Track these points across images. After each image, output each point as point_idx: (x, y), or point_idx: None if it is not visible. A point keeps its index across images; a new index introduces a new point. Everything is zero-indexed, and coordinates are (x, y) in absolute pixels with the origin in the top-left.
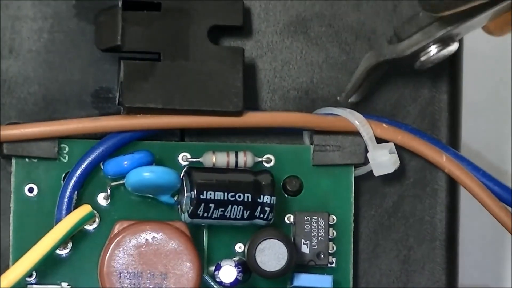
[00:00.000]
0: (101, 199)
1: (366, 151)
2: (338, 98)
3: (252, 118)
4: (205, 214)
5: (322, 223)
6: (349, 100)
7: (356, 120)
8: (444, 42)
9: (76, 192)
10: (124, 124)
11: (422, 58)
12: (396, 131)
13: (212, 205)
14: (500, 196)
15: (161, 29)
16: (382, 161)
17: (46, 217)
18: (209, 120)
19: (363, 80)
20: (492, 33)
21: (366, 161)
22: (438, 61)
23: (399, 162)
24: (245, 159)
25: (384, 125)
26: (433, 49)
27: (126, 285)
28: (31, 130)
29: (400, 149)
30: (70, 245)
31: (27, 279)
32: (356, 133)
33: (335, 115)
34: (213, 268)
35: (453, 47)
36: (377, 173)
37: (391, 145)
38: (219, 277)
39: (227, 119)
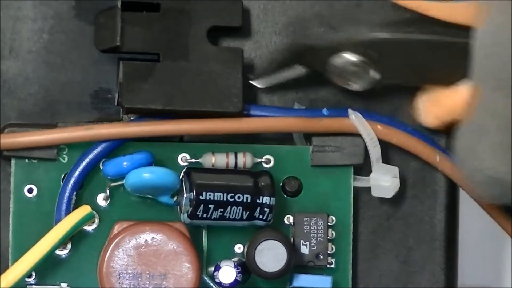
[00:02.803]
0: (101, 199)
1: (366, 151)
2: (249, 78)
3: (250, 124)
4: (205, 215)
5: (321, 224)
6: (254, 81)
7: (367, 136)
8: (364, 63)
9: (75, 193)
10: (121, 132)
11: (335, 60)
12: (392, 132)
13: (211, 206)
14: None
15: (161, 30)
16: (384, 185)
17: (45, 217)
18: (207, 126)
19: (278, 65)
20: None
21: (365, 161)
22: (344, 79)
23: (399, 186)
24: (245, 160)
25: (379, 126)
26: (349, 57)
27: (125, 286)
28: (30, 138)
29: (400, 150)
30: (69, 246)
31: (27, 279)
32: (356, 134)
33: (338, 117)
34: (212, 268)
35: (357, 85)
36: (375, 193)
37: (396, 170)
38: (218, 278)
39: (225, 124)
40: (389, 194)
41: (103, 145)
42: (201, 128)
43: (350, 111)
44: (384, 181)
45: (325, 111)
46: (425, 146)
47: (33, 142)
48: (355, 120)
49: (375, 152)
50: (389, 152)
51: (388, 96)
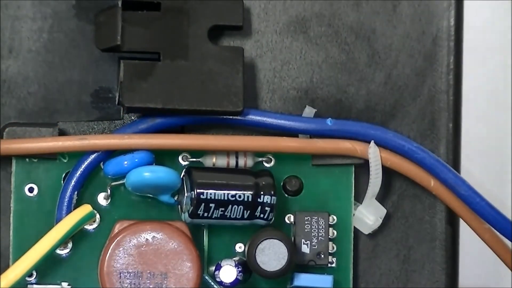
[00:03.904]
0: (101, 199)
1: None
2: None
3: (244, 142)
4: (205, 214)
5: (322, 223)
6: None
7: (374, 170)
8: None
9: (76, 192)
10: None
11: None
12: (387, 156)
13: (212, 205)
14: (497, 226)
15: (161, 29)
16: (366, 221)
17: (46, 217)
18: (204, 142)
19: None
20: None
21: (366, 161)
22: None
23: (378, 226)
24: (245, 159)
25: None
26: None
27: (126, 285)
28: (31, 145)
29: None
30: (70, 245)
31: (27, 278)
32: None
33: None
34: (213, 268)
35: None
36: (354, 223)
37: (383, 212)
38: (219, 277)
39: (230, 139)
40: (366, 231)
41: None
42: (197, 143)
43: (372, 143)
44: (368, 219)
45: (329, 121)
46: (419, 171)
47: (26, 149)
48: (372, 152)
49: (374, 186)
50: None
51: (388, 96)
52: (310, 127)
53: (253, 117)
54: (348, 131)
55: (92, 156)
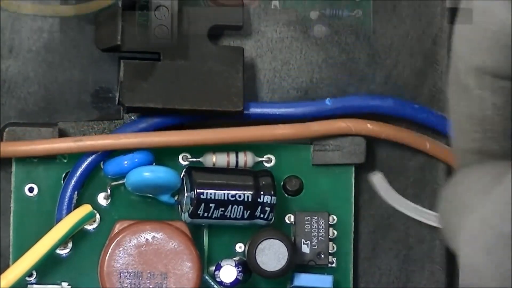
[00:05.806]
0: (102, 199)
1: (367, 150)
2: None
3: (250, 132)
4: (206, 214)
5: (322, 223)
6: None
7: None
8: None
9: (76, 192)
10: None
11: None
12: (380, 128)
13: (212, 205)
14: None
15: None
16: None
17: (46, 216)
18: (198, 137)
19: None
20: None
21: (366, 160)
22: None
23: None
24: (246, 159)
25: (369, 125)
26: None
27: (126, 285)
28: (27, 148)
29: (400, 149)
30: (70, 245)
31: (27, 278)
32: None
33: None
34: (213, 268)
35: None
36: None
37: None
38: (219, 277)
39: (226, 131)
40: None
41: None
42: (194, 139)
43: (376, 173)
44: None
45: (328, 101)
46: (414, 136)
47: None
48: (375, 182)
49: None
50: (388, 152)
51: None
52: (309, 110)
53: (253, 110)
54: (348, 106)
55: (92, 156)
